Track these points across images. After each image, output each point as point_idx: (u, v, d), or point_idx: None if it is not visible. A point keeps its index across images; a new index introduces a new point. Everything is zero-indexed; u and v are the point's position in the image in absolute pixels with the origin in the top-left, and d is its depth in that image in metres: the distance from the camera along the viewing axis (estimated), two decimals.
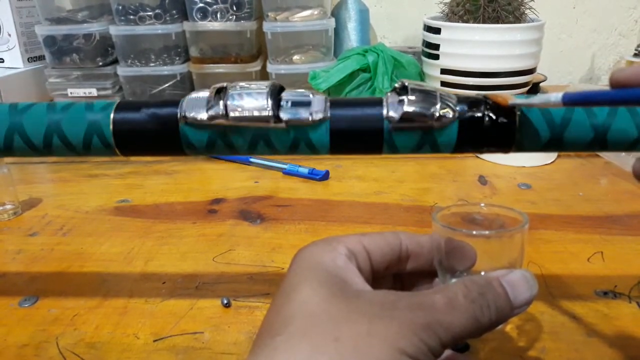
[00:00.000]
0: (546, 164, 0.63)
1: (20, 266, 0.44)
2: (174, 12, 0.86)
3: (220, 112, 0.28)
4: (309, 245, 0.26)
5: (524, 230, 0.28)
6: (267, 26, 0.84)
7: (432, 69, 0.82)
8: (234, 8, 0.84)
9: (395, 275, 0.29)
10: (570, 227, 0.48)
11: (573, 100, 0.23)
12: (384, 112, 0.28)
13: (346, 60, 0.79)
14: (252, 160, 0.65)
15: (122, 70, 0.87)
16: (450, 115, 0.28)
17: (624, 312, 0.36)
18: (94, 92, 0.89)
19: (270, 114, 0.28)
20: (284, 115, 0.28)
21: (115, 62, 0.89)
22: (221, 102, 0.28)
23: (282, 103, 0.28)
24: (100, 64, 0.88)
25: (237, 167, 0.65)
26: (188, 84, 0.90)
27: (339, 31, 0.94)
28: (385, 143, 0.29)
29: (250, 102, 0.28)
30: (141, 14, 0.85)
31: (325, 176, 0.60)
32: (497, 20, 0.77)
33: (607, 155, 0.64)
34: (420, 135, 0.28)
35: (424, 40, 0.83)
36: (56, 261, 0.45)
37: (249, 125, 0.28)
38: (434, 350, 0.21)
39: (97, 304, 0.38)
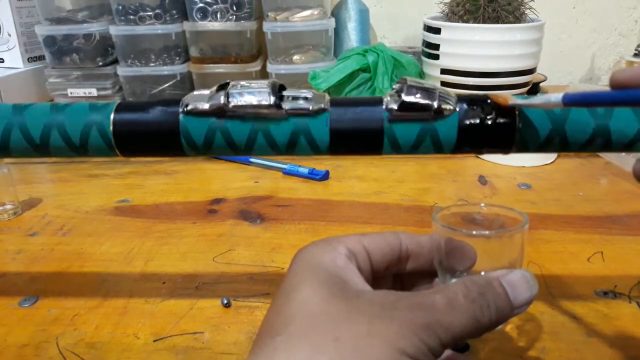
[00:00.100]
0: (546, 164, 0.63)
1: (20, 266, 0.44)
2: (174, 12, 0.86)
3: (222, 102, 0.29)
4: (309, 245, 0.26)
5: (524, 230, 0.28)
6: (267, 26, 0.84)
7: (432, 69, 0.82)
8: (234, 8, 0.84)
9: (395, 275, 0.29)
10: (570, 227, 0.48)
11: (573, 101, 0.23)
12: (384, 106, 0.29)
13: (346, 60, 0.79)
14: (252, 160, 0.65)
15: (122, 70, 0.87)
16: (450, 107, 0.28)
17: (624, 312, 0.36)
18: (94, 92, 0.89)
19: (271, 103, 0.28)
20: (284, 105, 0.29)
21: (115, 62, 0.89)
22: (223, 93, 0.29)
23: (284, 95, 0.29)
24: (100, 64, 0.88)
25: (237, 167, 0.65)
26: (188, 84, 0.90)
27: (339, 31, 0.94)
28: (385, 136, 0.29)
29: (252, 93, 0.29)
30: (141, 14, 0.85)
31: (325, 176, 0.60)
32: (497, 20, 0.77)
33: (607, 155, 0.64)
34: (420, 127, 0.28)
35: (424, 40, 0.83)
36: (56, 261, 0.45)
37: (249, 114, 0.29)
38: (434, 350, 0.21)
39: (97, 304, 0.38)
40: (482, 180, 0.59)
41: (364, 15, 0.95)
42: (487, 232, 0.29)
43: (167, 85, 0.89)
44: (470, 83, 0.78)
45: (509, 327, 0.35)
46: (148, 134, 0.30)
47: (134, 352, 0.33)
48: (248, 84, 0.29)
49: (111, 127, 0.30)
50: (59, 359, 0.33)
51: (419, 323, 0.21)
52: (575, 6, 1.04)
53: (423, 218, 0.51)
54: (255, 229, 0.49)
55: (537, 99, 0.27)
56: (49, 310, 0.38)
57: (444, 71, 0.80)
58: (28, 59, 0.92)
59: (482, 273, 0.27)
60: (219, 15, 0.84)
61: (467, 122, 0.28)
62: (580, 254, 0.44)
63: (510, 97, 0.28)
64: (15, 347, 0.34)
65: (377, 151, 0.29)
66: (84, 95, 0.89)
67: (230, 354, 0.33)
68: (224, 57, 0.88)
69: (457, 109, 0.28)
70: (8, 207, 0.53)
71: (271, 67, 0.86)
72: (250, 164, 0.65)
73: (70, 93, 0.89)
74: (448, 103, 0.28)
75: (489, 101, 0.28)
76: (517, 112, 0.28)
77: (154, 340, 0.35)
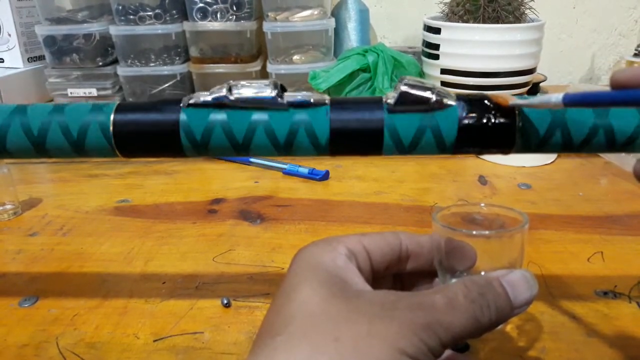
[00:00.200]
0: (546, 164, 0.63)
1: (20, 266, 0.44)
2: (174, 12, 0.86)
3: (224, 93, 0.29)
4: (309, 245, 0.26)
5: (524, 230, 0.28)
6: (267, 26, 0.84)
7: (432, 69, 0.82)
8: (234, 8, 0.84)
9: (395, 275, 0.29)
10: (570, 227, 0.48)
11: (573, 101, 0.23)
12: (384, 103, 0.29)
13: (346, 60, 0.79)
14: (252, 160, 0.65)
15: (122, 70, 0.87)
16: (449, 102, 0.28)
17: (624, 312, 0.36)
18: (94, 92, 0.89)
19: (273, 95, 0.29)
20: (285, 97, 0.29)
21: (115, 62, 0.89)
22: (225, 86, 0.29)
23: (285, 91, 0.30)
24: (100, 64, 0.88)
25: (237, 167, 0.65)
26: (188, 84, 0.90)
27: (339, 31, 0.94)
28: (386, 129, 0.29)
29: (253, 87, 0.29)
30: (141, 14, 0.85)
31: (325, 176, 0.60)
32: (497, 20, 0.77)
33: (607, 155, 0.64)
34: (420, 118, 0.28)
35: (424, 40, 0.83)
36: (56, 261, 0.45)
37: (250, 105, 0.29)
38: (434, 350, 0.21)
39: (97, 304, 0.38)
40: (482, 180, 0.59)
41: (364, 15, 0.95)
42: (487, 232, 0.29)
43: (167, 85, 0.89)
44: (470, 83, 0.78)
45: (509, 327, 0.35)
46: (148, 134, 0.30)
47: (134, 352, 0.33)
48: (249, 83, 0.29)
49: (111, 128, 0.30)
50: (59, 359, 0.33)
51: (419, 323, 0.21)
52: (575, 6, 1.04)
53: (423, 218, 0.51)
54: (255, 229, 0.49)
55: (537, 100, 0.27)
56: (49, 310, 0.38)
57: (444, 71, 0.80)
58: (28, 59, 0.92)
59: (482, 273, 0.27)
60: (219, 15, 0.84)
61: (467, 122, 0.28)
62: (580, 254, 0.44)
63: (510, 97, 0.28)
64: (15, 347, 0.34)
65: (378, 148, 0.29)
66: (84, 95, 0.89)
67: (230, 354, 0.33)
68: (224, 57, 0.88)
69: (457, 105, 0.28)
70: (8, 207, 0.53)
71: (271, 67, 0.86)
72: (250, 164, 0.65)
73: (70, 93, 0.89)
74: (447, 97, 0.28)
75: (488, 101, 0.28)
76: (517, 112, 0.28)
77: (154, 340, 0.35)
